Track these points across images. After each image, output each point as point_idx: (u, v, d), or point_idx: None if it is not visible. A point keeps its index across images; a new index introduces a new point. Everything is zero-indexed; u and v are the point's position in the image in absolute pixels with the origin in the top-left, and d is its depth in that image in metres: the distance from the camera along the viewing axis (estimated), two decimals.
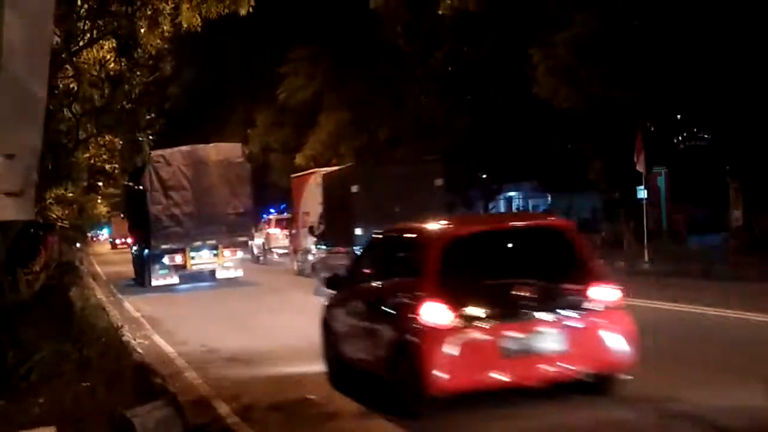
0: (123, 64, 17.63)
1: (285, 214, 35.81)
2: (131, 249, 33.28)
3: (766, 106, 22.17)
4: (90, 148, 23.03)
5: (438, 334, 7.48)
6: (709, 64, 22.26)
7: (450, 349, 7.43)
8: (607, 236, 29.88)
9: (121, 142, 23.98)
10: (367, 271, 9.78)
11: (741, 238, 24.66)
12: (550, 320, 7.63)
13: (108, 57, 17.45)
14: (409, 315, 7.75)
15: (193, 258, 25.63)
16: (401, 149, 41.04)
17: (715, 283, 18.46)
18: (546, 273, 8.05)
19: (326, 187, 24.14)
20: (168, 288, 24.86)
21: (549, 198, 47.39)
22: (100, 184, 31.75)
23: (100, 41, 16.59)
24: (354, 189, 21.08)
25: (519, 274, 8.07)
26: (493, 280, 8.04)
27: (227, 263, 26.17)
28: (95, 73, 17.75)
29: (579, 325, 7.71)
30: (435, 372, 7.41)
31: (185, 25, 15.23)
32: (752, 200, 25.42)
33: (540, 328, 7.63)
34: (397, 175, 21.72)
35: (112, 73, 17.65)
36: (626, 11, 23.16)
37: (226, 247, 26.02)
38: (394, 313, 8.22)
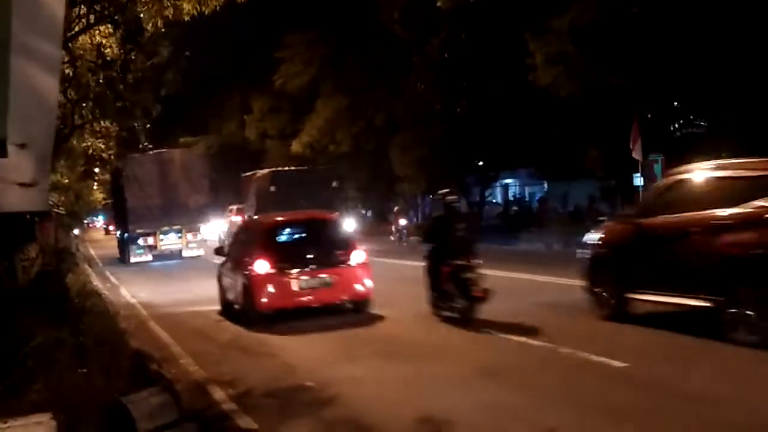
0: (121, 49, 17.59)
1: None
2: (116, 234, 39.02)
3: (762, 93, 22.15)
4: (86, 134, 23.01)
5: (262, 277, 13.31)
6: (707, 51, 22.23)
7: (269, 286, 13.29)
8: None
9: (117, 129, 23.97)
10: (235, 244, 16.27)
11: None
12: (325, 270, 13.53)
13: (104, 42, 17.38)
14: (249, 268, 13.51)
15: (162, 240, 31.34)
16: (398, 136, 41.03)
17: None
18: (325, 244, 14.18)
19: (257, 187, 31.56)
20: (144, 264, 30.42)
21: (545, 185, 47.40)
22: (96, 170, 31.72)
23: (97, 26, 16.52)
24: (272, 189, 29.58)
25: (310, 245, 14.17)
26: (294, 248, 14.30)
27: (191, 244, 31.82)
28: (91, 59, 17.69)
29: (341, 273, 13.65)
30: (261, 299, 13.32)
31: (186, 18, 15.16)
32: None
33: (320, 275, 13.51)
34: (303, 178, 30.29)
35: (108, 58, 17.60)
36: None
37: (188, 231, 31.83)
38: (243, 268, 13.84)
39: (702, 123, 30.38)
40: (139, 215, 30.72)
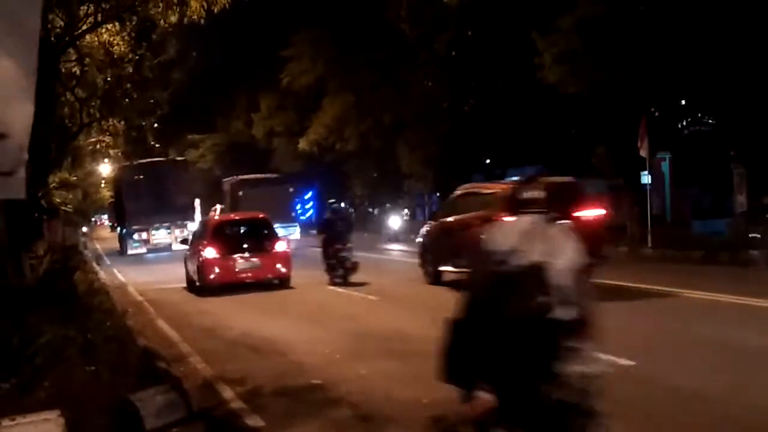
0: (129, 47, 17.62)
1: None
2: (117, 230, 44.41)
3: None
4: (93, 132, 23.06)
5: (210, 260, 18.35)
6: (714, 49, 22.16)
7: (215, 266, 18.29)
8: (611, 221, 29.81)
9: (125, 127, 24.02)
10: (194, 236, 21.47)
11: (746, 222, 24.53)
12: (255, 255, 18.63)
13: (112, 41, 17.41)
14: (202, 253, 18.54)
15: (154, 235, 36.75)
16: (405, 133, 40.99)
17: (714, 268, 18.63)
18: (257, 237, 19.31)
19: (231, 191, 38.88)
20: (139, 255, 35.29)
21: None
22: (104, 168, 31.73)
23: (104, 25, 16.55)
24: (240, 193, 37.07)
25: (246, 237, 19.34)
26: (234, 239, 19.15)
27: (179, 239, 34.03)
28: (99, 57, 17.74)
29: (267, 258, 18.68)
30: (210, 276, 18.30)
31: (194, 17, 15.19)
32: (756, 185, 25.36)
33: (253, 259, 18.59)
34: (265, 184, 37.75)
35: (116, 56, 17.63)
36: None
37: (177, 227, 36.82)
38: (198, 254, 18.86)
39: (710, 121, 30.30)
40: (135, 214, 36.24)
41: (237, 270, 18.38)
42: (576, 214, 13.68)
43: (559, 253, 4.19)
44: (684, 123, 30.68)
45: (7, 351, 7.61)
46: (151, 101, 20.80)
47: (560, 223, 4.45)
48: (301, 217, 35.11)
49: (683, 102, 28.82)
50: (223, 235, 19.25)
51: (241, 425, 7.26)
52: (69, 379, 7.26)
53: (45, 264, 13.69)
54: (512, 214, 4.56)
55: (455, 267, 16.03)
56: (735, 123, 25.67)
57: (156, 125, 25.11)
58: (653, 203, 25.53)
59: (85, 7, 15.51)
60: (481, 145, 39.08)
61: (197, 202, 39.42)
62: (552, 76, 24.82)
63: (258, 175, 41.33)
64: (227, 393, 8.43)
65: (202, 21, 15.22)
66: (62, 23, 15.55)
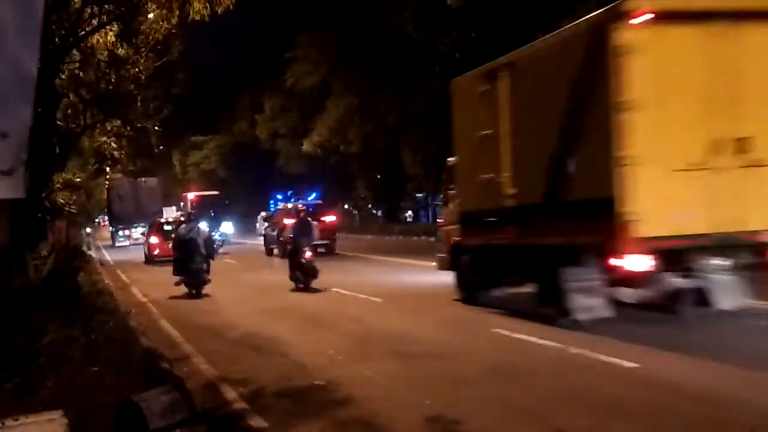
0: (132, 48, 17.65)
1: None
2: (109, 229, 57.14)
3: None
4: (97, 133, 23.10)
5: (154, 244, 32.44)
6: None
7: (157, 248, 31.93)
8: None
9: (128, 127, 24.05)
10: (148, 230, 35.76)
11: None
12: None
13: (115, 42, 17.44)
14: (149, 239, 33.38)
15: (134, 232, 47.99)
16: (409, 135, 40.99)
17: None
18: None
19: (189, 203, 48.23)
20: (124, 247, 46.65)
21: None
22: (108, 169, 31.83)
23: (107, 27, 16.58)
24: (189, 204, 48.29)
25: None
26: (168, 232, 30.55)
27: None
28: (102, 58, 17.76)
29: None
30: (154, 252, 32.17)
31: (196, 17, 15.21)
32: None
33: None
34: (209, 200, 50.19)
35: (119, 57, 17.66)
36: None
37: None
38: (148, 239, 33.60)
39: None
40: (120, 217, 49.03)
41: (169, 249, 24.40)
42: (322, 218, 29.85)
43: (311, 234, 19.44)
44: None
45: (10, 351, 7.62)
46: (155, 102, 20.83)
47: (312, 221, 20.07)
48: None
49: None
50: (163, 229, 32.50)
51: (245, 426, 7.26)
52: (72, 380, 7.27)
53: (49, 264, 13.69)
54: (291, 218, 19.35)
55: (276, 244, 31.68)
56: None
57: (158, 128, 25.29)
58: None
59: (89, 9, 15.53)
60: None
61: (164, 209, 47.04)
62: None
63: (204, 192, 54.01)
64: (230, 394, 8.43)
65: (207, 19, 15.23)
66: (66, 25, 15.58)
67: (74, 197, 26.69)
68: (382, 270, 23.39)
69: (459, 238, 15.07)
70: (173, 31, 17.20)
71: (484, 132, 13.53)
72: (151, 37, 17.20)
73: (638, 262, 10.12)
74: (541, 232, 12.07)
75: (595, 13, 11.18)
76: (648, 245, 9.99)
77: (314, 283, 18.62)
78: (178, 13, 15.42)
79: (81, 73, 17.55)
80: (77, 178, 27.06)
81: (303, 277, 18.86)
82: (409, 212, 57.96)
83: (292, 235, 19.94)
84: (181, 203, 52.71)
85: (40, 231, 17.86)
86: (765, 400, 7.15)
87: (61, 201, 24.24)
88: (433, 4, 33.09)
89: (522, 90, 12.81)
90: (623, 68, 9.94)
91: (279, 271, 22.77)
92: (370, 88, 44.52)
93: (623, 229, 9.94)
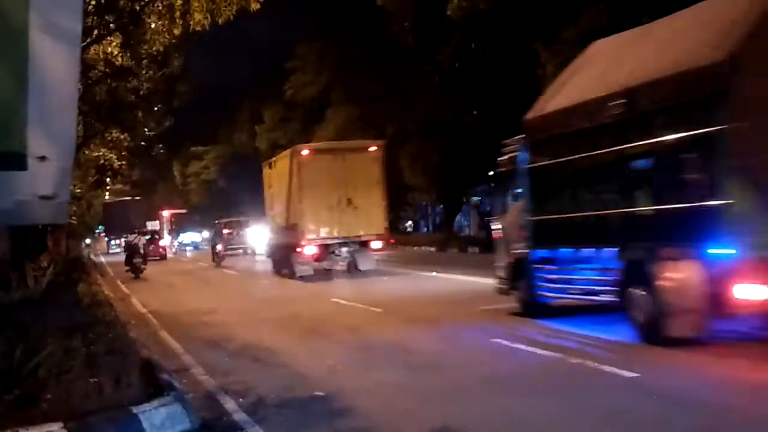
0: (132, 59, 17.68)
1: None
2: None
3: None
4: (96, 144, 23.13)
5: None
6: None
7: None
8: None
9: (128, 139, 24.08)
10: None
11: None
12: (152, 245, 45.06)
13: (116, 53, 17.48)
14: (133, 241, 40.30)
15: (123, 241, 51.57)
16: (409, 145, 40.99)
17: None
18: (152, 239, 46.56)
19: (163, 219, 61.16)
20: (116, 253, 54.21)
21: None
22: (108, 180, 31.87)
23: (108, 37, 16.62)
24: (168, 221, 71.48)
25: (149, 241, 43.16)
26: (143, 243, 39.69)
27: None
28: (102, 69, 17.79)
29: (160, 247, 49.72)
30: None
31: (197, 28, 15.25)
32: None
33: (151, 246, 43.82)
34: (184, 217, 75.20)
35: (119, 68, 17.69)
36: (635, 7, 23.03)
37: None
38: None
39: None
40: (112, 229, 61.24)
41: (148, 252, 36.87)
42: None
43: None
44: None
45: (9, 363, 7.61)
46: (155, 110, 20.85)
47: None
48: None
49: None
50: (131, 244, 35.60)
51: None
52: (72, 391, 7.25)
53: (48, 276, 13.69)
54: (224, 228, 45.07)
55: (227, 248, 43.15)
56: None
57: (160, 147, 25.46)
58: None
59: (89, 20, 15.57)
60: (483, 156, 39.03)
61: (148, 222, 56.44)
62: None
63: (177, 210, 69.85)
64: (230, 405, 8.42)
65: (207, 28, 15.28)
66: None
67: (74, 208, 26.69)
68: (382, 280, 23.37)
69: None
70: (173, 41, 17.23)
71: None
72: (154, 48, 17.21)
73: (309, 251, 24.61)
74: None
75: (292, 147, 26.75)
76: (311, 242, 24.56)
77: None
78: (181, 22, 15.46)
79: (81, 85, 17.56)
80: (77, 189, 27.07)
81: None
82: (410, 222, 57.94)
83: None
84: (156, 220, 63.90)
85: (41, 242, 17.86)
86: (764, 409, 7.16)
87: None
88: (433, 14, 33.16)
89: (274, 174, 28.90)
90: (300, 171, 24.63)
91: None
92: (370, 98, 44.57)
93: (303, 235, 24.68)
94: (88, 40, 15.99)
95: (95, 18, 15.63)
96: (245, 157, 65.61)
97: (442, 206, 49.12)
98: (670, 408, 7.34)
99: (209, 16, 15.04)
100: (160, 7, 15.46)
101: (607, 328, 11.40)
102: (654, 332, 10.10)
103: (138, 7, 15.48)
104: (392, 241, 29.45)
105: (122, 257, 37.39)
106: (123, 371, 7.89)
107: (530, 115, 13.41)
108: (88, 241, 56.14)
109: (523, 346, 10.81)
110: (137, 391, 7.59)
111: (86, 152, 23.08)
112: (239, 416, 7.92)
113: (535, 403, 7.86)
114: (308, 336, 13.43)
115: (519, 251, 13.68)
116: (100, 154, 24.97)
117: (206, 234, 59.44)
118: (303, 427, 7.46)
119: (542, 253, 13.10)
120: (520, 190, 13.75)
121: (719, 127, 9.10)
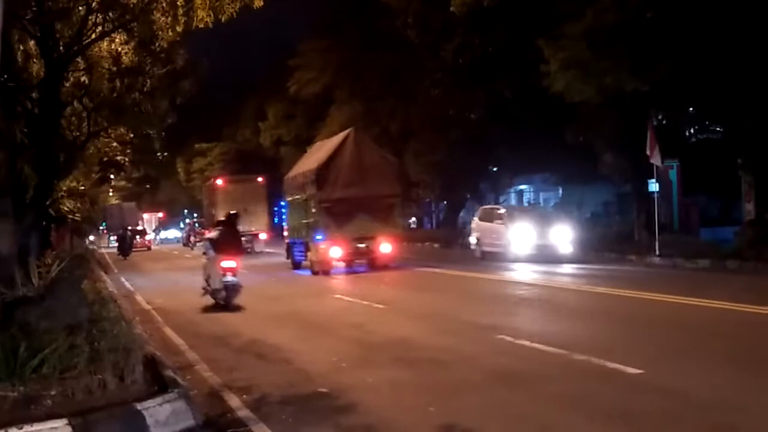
0: (137, 56, 17.65)
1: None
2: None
3: None
4: (101, 140, 23.11)
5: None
6: (723, 56, 22.14)
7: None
8: (618, 229, 29.83)
9: (132, 135, 24.07)
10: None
11: (754, 231, 24.49)
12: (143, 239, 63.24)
13: (120, 50, 17.45)
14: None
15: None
16: (413, 142, 40.96)
17: (723, 276, 18.57)
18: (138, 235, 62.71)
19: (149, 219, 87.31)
20: (113, 246, 56.34)
21: (560, 191, 47.27)
22: (112, 176, 31.89)
23: (112, 34, 16.59)
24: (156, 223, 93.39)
25: (139, 232, 63.85)
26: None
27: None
28: (107, 66, 17.77)
29: (146, 242, 64.79)
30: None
31: (200, 25, 15.22)
32: (764, 193, 25.29)
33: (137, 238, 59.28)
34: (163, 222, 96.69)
35: (123, 66, 17.66)
36: (640, 3, 22.99)
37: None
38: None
39: (718, 129, 30.24)
40: (111, 227, 63.16)
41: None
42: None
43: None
44: (692, 131, 30.62)
45: (14, 359, 7.62)
46: (160, 107, 20.80)
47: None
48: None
49: (691, 109, 28.77)
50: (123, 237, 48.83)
51: None
52: (76, 388, 7.26)
53: (52, 272, 13.68)
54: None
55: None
56: (742, 130, 25.61)
57: (163, 134, 25.38)
58: (661, 211, 25.50)
59: (93, 17, 15.55)
60: (488, 152, 39.04)
61: (140, 222, 67.73)
62: (558, 83, 24.81)
63: (157, 214, 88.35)
64: (234, 401, 8.42)
65: (210, 26, 15.25)
66: (70, 33, 15.59)
67: (78, 205, 26.71)
68: (386, 276, 23.37)
69: None
70: (178, 38, 17.19)
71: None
72: (157, 45, 17.18)
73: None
74: None
75: (212, 178, 48.96)
76: None
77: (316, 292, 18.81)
78: (184, 20, 15.43)
79: (86, 81, 17.55)
80: (81, 185, 27.08)
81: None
82: (413, 219, 57.92)
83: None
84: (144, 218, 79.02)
85: (45, 239, 17.87)
86: None
87: (66, 209, 24.27)
88: (436, 10, 33.10)
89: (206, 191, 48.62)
90: (215, 195, 43.67)
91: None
92: (374, 95, 44.54)
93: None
94: (93, 37, 15.96)
95: (98, 15, 15.59)
96: (249, 154, 65.66)
97: (445, 202, 49.08)
98: (675, 405, 7.32)
99: (212, 14, 14.99)
100: (164, 5, 15.40)
101: None
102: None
103: (142, 4, 15.43)
104: (272, 234, 48.07)
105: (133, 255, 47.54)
106: (127, 368, 7.90)
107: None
108: (92, 237, 56.84)
109: (527, 342, 10.84)
110: (141, 387, 7.60)
111: (90, 148, 23.06)
112: (244, 413, 7.92)
113: (540, 400, 7.86)
114: (312, 332, 13.43)
115: None
116: (105, 150, 24.97)
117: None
118: (307, 424, 7.46)
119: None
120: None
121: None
